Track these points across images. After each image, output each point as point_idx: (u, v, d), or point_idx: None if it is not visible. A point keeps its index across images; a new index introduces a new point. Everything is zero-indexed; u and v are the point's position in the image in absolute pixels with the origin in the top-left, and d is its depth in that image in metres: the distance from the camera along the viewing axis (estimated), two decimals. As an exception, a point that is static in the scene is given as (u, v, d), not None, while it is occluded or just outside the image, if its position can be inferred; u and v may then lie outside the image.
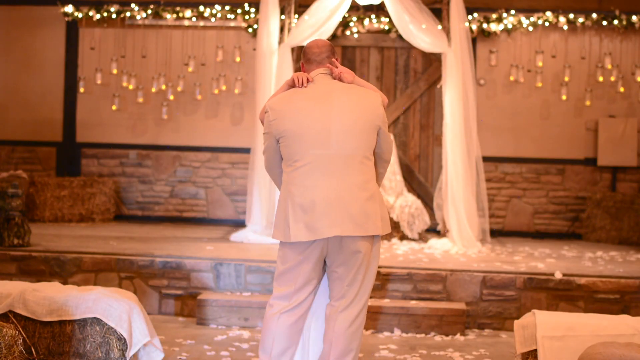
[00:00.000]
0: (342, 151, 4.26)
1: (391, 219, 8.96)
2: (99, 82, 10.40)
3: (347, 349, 4.38)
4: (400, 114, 10.33)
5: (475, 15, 9.98)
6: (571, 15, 9.94)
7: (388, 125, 10.13)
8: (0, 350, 4.07)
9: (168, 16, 10.23)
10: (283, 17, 9.09)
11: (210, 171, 10.50)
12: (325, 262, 4.41)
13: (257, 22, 9.78)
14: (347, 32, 10.18)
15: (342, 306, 4.40)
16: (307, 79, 4.44)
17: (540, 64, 10.04)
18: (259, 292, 7.09)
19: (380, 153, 4.49)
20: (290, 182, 4.31)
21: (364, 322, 4.49)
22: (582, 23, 9.97)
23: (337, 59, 4.54)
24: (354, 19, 10.06)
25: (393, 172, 9.29)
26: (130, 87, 10.34)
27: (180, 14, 10.23)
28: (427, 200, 9.94)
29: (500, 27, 10.00)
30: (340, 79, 4.45)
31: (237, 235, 8.65)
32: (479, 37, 10.13)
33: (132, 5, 10.28)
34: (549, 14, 9.94)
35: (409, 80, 10.37)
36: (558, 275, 7.01)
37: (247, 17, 10.11)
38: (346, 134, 4.27)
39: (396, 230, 8.98)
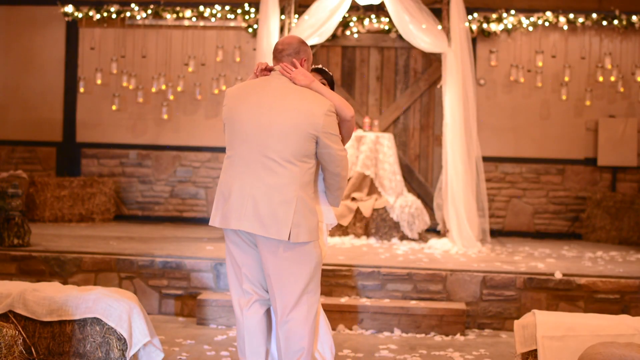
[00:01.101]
0: (266, 151, 4.24)
1: (391, 219, 8.97)
2: (99, 82, 10.40)
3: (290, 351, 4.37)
4: (400, 114, 10.33)
5: (475, 15, 9.98)
6: (571, 15, 9.94)
7: (388, 125, 10.17)
8: (0, 350, 4.07)
9: (168, 16, 10.23)
10: (283, 17, 9.09)
11: (210, 171, 10.50)
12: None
13: (257, 22, 9.78)
14: (347, 32, 10.18)
15: (273, 306, 4.40)
16: (262, 69, 4.44)
17: (540, 64, 10.04)
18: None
19: (323, 163, 4.38)
20: (223, 170, 4.41)
21: (308, 322, 4.35)
22: (582, 23, 9.97)
23: (304, 59, 4.43)
24: (354, 19, 10.06)
25: (393, 172, 9.29)
26: (130, 87, 10.34)
27: (180, 14, 10.23)
28: (427, 200, 9.94)
29: (500, 27, 10.00)
30: (293, 81, 4.36)
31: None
32: (479, 37, 10.13)
33: (132, 5, 10.27)
34: (549, 14, 9.94)
35: (409, 80, 10.37)
36: (558, 275, 7.01)
37: (247, 17, 10.11)
38: (275, 135, 4.24)
39: (396, 230, 8.98)
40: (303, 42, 4.50)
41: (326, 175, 4.46)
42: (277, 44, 4.49)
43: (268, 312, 4.50)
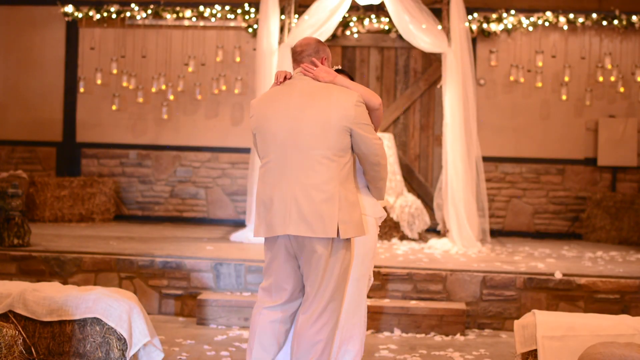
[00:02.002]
0: (301, 151, 4.22)
1: (391, 219, 8.97)
2: (99, 82, 10.40)
3: (307, 352, 4.30)
4: (400, 114, 10.33)
5: (475, 15, 9.98)
6: (571, 15, 9.94)
7: (388, 125, 10.17)
8: (0, 350, 4.07)
9: (168, 16, 10.23)
10: (283, 17, 9.09)
11: (210, 171, 10.50)
12: None
13: (257, 22, 9.78)
14: (347, 32, 10.18)
15: (304, 308, 4.34)
16: (285, 77, 4.44)
17: (540, 64, 10.04)
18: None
19: (361, 155, 4.35)
20: (260, 179, 4.39)
21: (329, 327, 4.31)
22: (582, 23, 9.97)
23: (324, 58, 4.45)
24: (354, 19, 10.06)
25: (393, 172, 9.29)
26: (130, 87, 10.34)
27: (180, 14, 10.23)
28: (427, 200, 9.94)
29: (500, 27, 10.00)
30: (316, 79, 4.37)
31: (237, 235, 8.65)
32: (479, 37, 10.14)
33: (132, 5, 10.27)
34: (549, 14, 9.94)
35: (409, 80, 10.37)
36: (558, 275, 7.01)
37: (247, 17, 10.11)
38: (308, 134, 4.23)
39: (396, 230, 8.98)
40: (320, 42, 4.52)
41: (366, 168, 4.41)
42: (294, 47, 4.50)
43: (286, 322, 4.44)
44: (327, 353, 4.33)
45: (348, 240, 4.32)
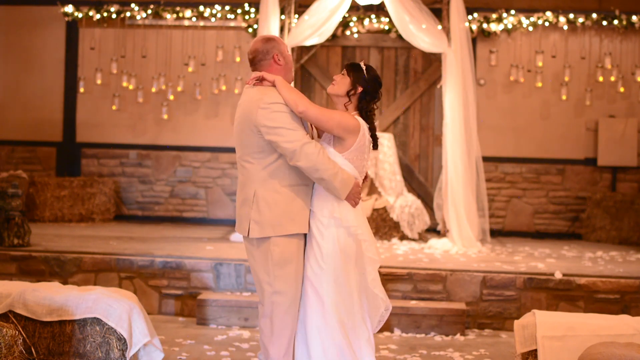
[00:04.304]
0: (237, 156, 4.46)
1: (391, 219, 8.97)
2: (99, 82, 10.40)
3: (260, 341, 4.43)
4: (400, 114, 10.33)
5: (475, 15, 9.98)
6: (571, 15, 9.95)
7: (388, 125, 10.16)
8: (0, 350, 4.07)
9: (168, 16, 10.23)
10: (283, 17, 9.09)
11: (210, 171, 10.50)
12: None
13: (257, 22, 9.78)
14: (347, 32, 10.18)
15: None
16: (253, 78, 4.43)
17: (540, 64, 10.04)
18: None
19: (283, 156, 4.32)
20: None
21: (268, 321, 4.33)
22: (582, 23, 9.97)
23: (275, 55, 4.37)
24: (354, 19, 10.06)
25: (393, 172, 9.29)
26: (130, 87, 10.34)
27: (180, 14, 10.23)
28: (427, 200, 9.94)
29: (500, 27, 10.00)
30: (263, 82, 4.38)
31: (237, 236, 8.64)
32: (479, 37, 10.14)
33: (132, 5, 10.27)
34: (549, 14, 9.94)
35: (409, 80, 10.37)
36: (558, 275, 7.01)
37: (247, 17, 10.11)
38: (235, 139, 4.42)
39: (396, 230, 8.98)
40: (268, 40, 4.46)
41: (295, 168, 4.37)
42: (248, 54, 4.52)
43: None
44: (273, 346, 4.34)
45: (273, 238, 4.30)
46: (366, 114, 4.43)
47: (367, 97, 4.42)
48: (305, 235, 4.39)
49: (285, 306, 4.32)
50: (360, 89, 4.40)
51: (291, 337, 4.36)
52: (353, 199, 4.37)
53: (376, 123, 4.60)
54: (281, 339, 4.33)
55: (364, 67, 4.43)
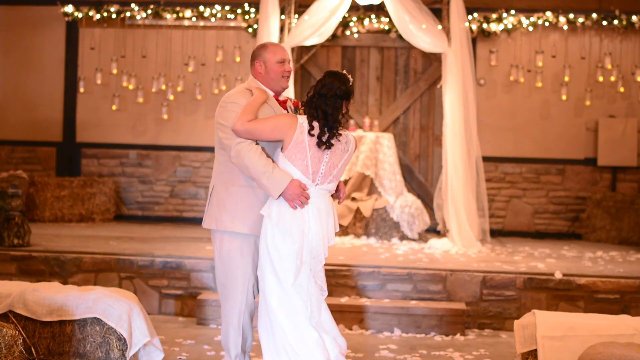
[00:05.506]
0: None
1: (391, 219, 8.97)
2: (99, 82, 10.39)
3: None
4: (400, 114, 10.33)
5: (475, 15, 9.97)
6: (571, 15, 9.94)
7: (388, 125, 10.17)
8: (0, 350, 4.07)
9: (168, 16, 10.23)
10: (283, 17, 9.09)
11: (210, 171, 10.48)
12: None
13: (257, 22, 9.78)
14: (347, 32, 10.17)
15: None
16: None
17: (540, 64, 10.04)
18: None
19: None
20: None
21: (224, 311, 4.69)
22: (582, 23, 9.96)
23: (257, 63, 4.63)
24: (354, 19, 10.06)
25: (393, 172, 9.28)
26: (130, 87, 10.34)
27: (180, 14, 10.23)
28: (427, 200, 9.94)
29: (500, 27, 10.00)
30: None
31: (237, 235, 8.64)
32: (479, 37, 10.13)
33: (132, 5, 10.27)
34: (549, 14, 9.94)
35: (409, 80, 10.37)
36: (558, 275, 7.01)
37: (247, 17, 10.11)
38: None
39: (396, 230, 8.98)
40: (260, 46, 4.75)
41: None
42: None
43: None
44: (226, 336, 4.68)
45: (217, 232, 4.63)
46: (324, 113, 4.39)
47: (316, 96, 4.44)
48: (257, 236, 4.56)
49: (229, 299, 4.64)
50: (311, 94, 4.49)
51: (236, 328, 4.65)
52: (292, 199, 4.37)
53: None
54: (226, 327, 4.68)
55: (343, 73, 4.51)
